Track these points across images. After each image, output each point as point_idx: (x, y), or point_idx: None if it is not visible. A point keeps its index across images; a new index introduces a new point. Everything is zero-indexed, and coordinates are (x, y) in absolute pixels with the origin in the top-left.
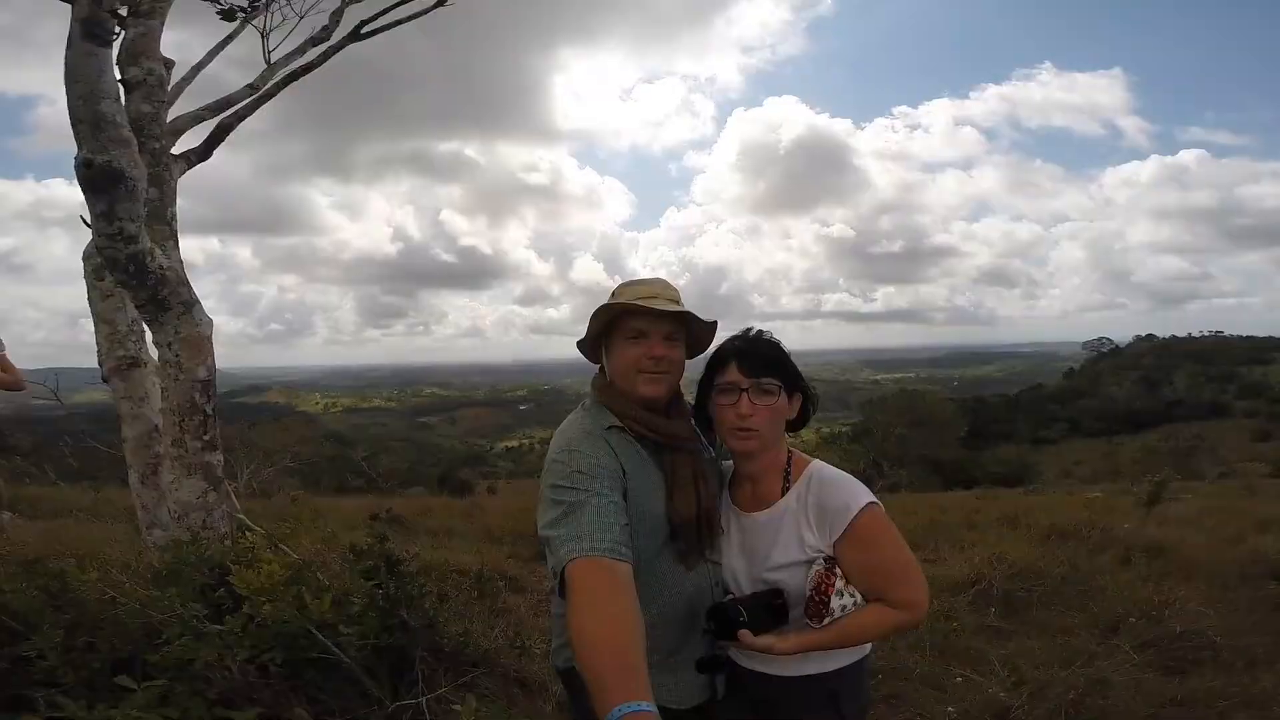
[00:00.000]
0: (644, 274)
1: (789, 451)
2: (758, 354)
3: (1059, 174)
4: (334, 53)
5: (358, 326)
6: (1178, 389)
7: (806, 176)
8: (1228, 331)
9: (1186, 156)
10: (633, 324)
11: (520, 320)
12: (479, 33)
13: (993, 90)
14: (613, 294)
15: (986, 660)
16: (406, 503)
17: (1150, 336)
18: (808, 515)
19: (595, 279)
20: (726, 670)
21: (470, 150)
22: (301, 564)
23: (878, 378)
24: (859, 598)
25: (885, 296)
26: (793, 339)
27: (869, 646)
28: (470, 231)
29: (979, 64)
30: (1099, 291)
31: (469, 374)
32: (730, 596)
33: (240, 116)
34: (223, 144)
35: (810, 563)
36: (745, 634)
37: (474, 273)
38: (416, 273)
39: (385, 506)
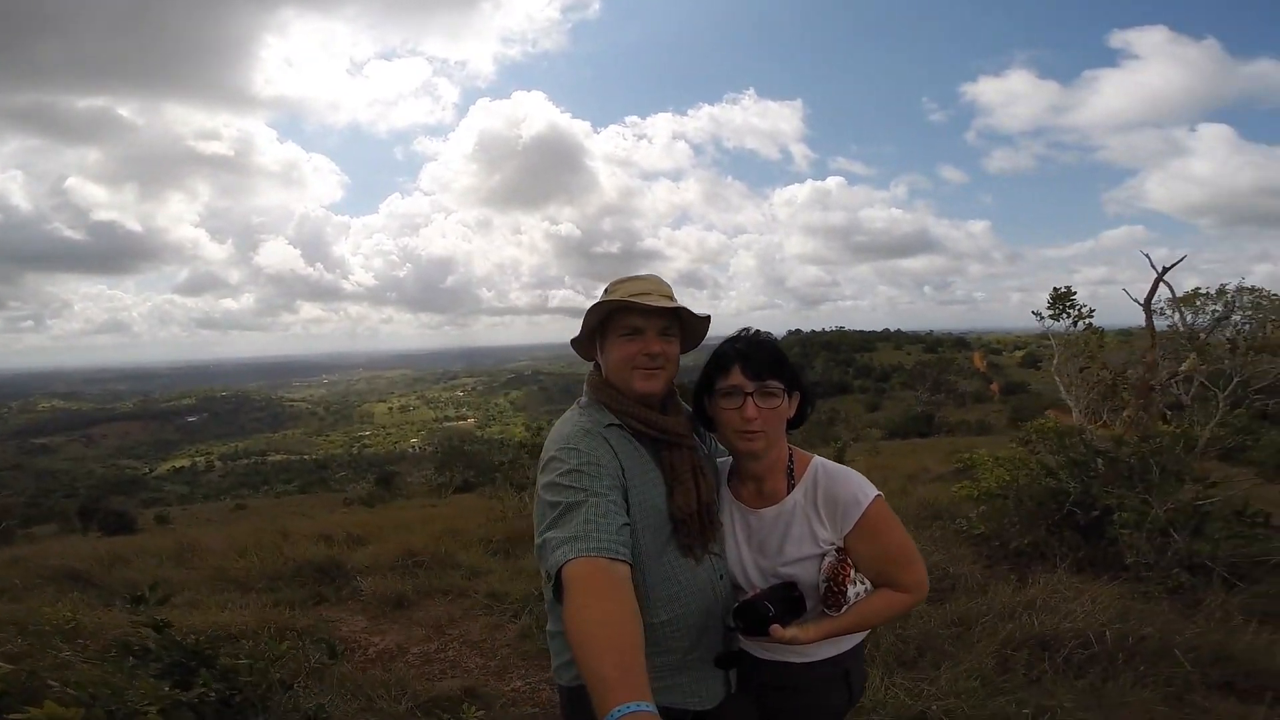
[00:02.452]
0: (355, 262)
1: (790, 448)
2: (760, 357)
3: (743, 190)
4: None
5: None
6: (818, 372)
7: (542, 173)
8: (847, 326)
9: (831, 182)
10: (627, 320)
11: (183, 313)
12: None
13: (706, 110)
14: (605, 290)
15: None
16: (63, 546)
17: (798, 331)
18: (818, 509)
19: (290, 265)
20: (740, 664)
21: (125, 109)
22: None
23: None
24: (869, 584)
25: None
26: (522, 334)
27: None
28: (110, 204)
29: (702, 84)
30: (763, 294)
31: (109, 380)
32: (754, 591)
33: None
34: None
35: (823, 555)
36: (777, 627)
37: (112, 253)
38: (22, 252)
39: (148, 583)
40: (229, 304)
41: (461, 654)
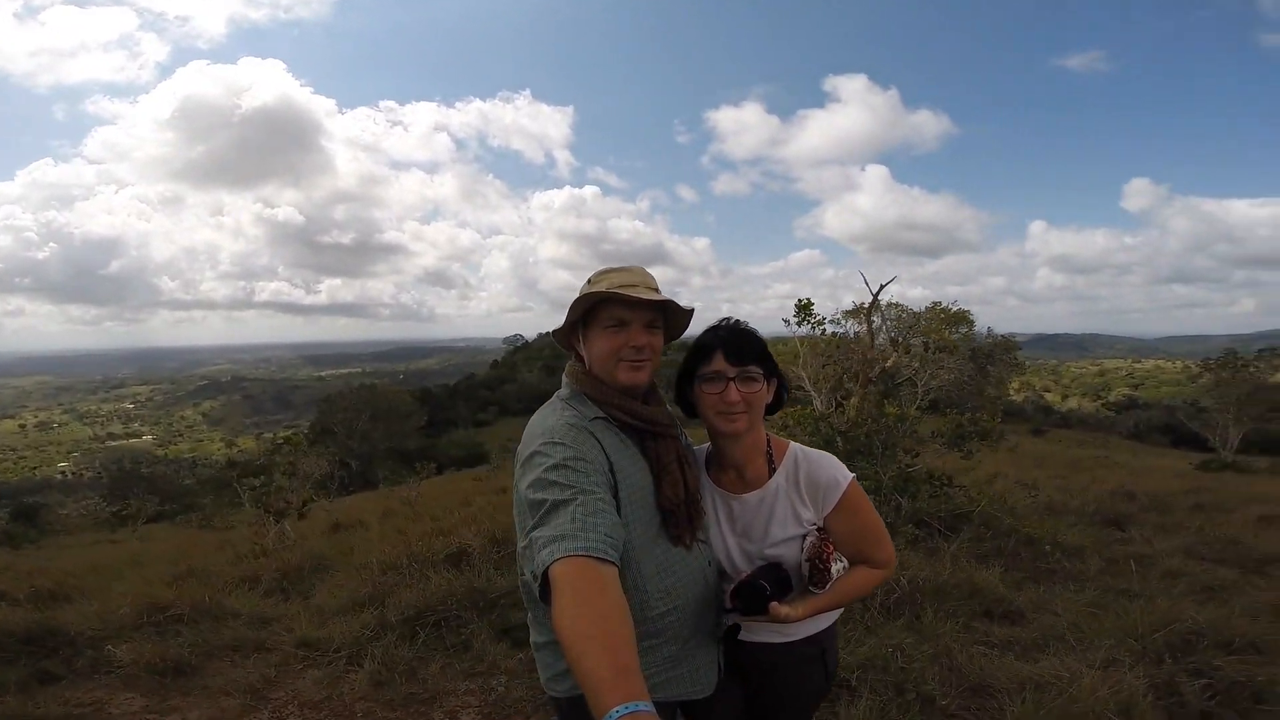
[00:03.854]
0: None
1: (767, 435)
2: (742, 344)
3: (503, 190)
4: None
5: None
6: None
7: (261, 150)
8: None
9: (587, 191)
10: (612, 313)
11: None
12: None
13: (477, 104)
14: (589, 281)
15: None
16: None
17: (549, 333)
18: (800, 491)
19: None
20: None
21: None
22: None
23: (322, 374)
24: (846, 562)
25: (330, 289)
26: (218, 332)
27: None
28: None
29: (476, 77)
30: (515, 296)
31: None
32: (740, 575)
33: None
34: None
35: (804, 535)
36: (775, 606)
37: None
38: None
39: None
40: None
41: None
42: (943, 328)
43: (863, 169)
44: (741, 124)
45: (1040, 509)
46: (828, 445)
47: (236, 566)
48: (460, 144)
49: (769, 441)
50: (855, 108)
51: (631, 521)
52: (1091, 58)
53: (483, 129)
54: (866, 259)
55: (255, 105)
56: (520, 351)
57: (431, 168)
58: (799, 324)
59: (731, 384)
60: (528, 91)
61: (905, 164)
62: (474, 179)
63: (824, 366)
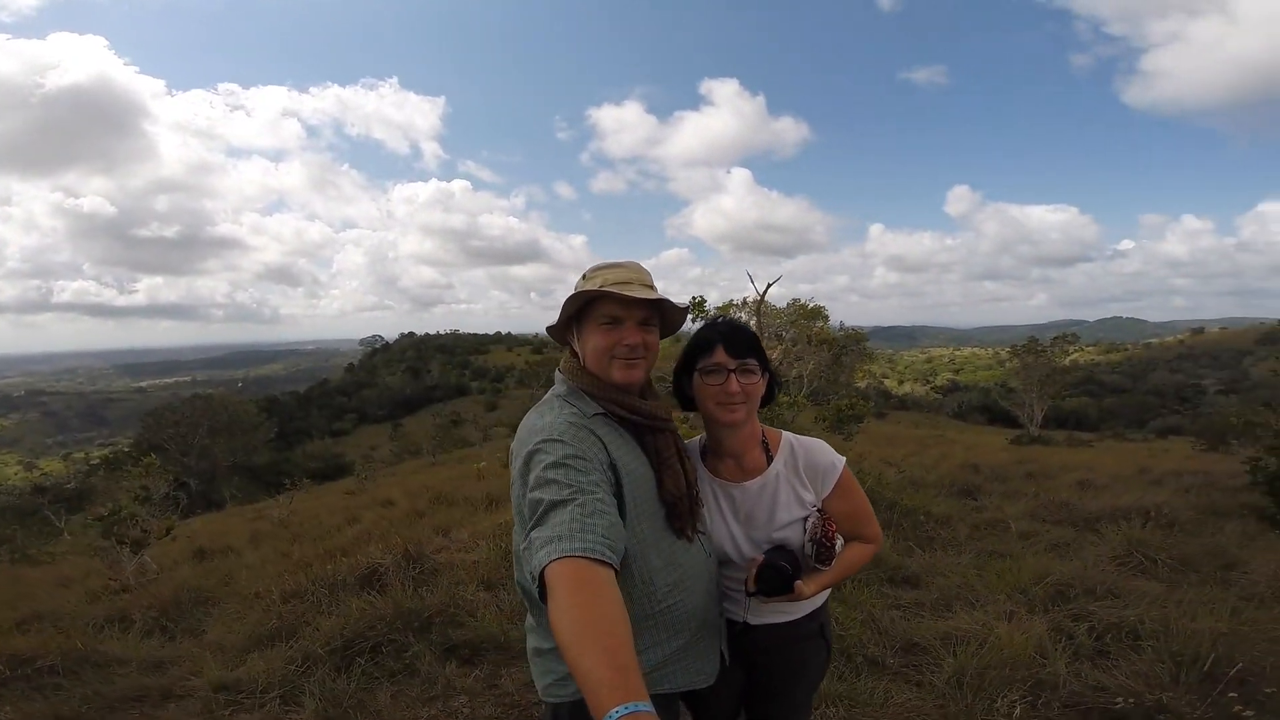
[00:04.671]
0: None
1: (760, 425)
2: (740, 339)
3: (361, 181)
4: None
5: None
6: (434, 375)
7: (65, 133)
8: (462, 329)
9: (456, 185)
10: (606, 310)
11: None
12: None
13: (334, 90)
14: (584, 277)
15: None
16: None
17: (411, 334)
18: (800, 475)
19: None
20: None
21: None
22: None
23: (143, 384)
24: (843, 539)
25: (150, 288)
26: (3, 339)
27: None
28: None
29: (337, 62)
30: (373, 294)
31: None
32: (750, 561)
33: None
34: None
35: (806, 517)
36: (799, 584)
37: None
38: None
39: None
40: None
41: None
42: (806, 323)
43: (728, 171)
44: (622, 123)
45: (906, 484)
46: None
47: (95, 606)
48: (312, 131)
49: (763, 431)
50: (726, 111)
51: (638, 516)
52: (935, 72)
53: (340, 116)
54: (729, 258)
55: (62, 85)
56: (380, 353)
57: (277, 156)
58: (693, 320)
59: (732, 375)
60: (395, 79)
61: (766, 168)
62: (326, 169)
63: None
